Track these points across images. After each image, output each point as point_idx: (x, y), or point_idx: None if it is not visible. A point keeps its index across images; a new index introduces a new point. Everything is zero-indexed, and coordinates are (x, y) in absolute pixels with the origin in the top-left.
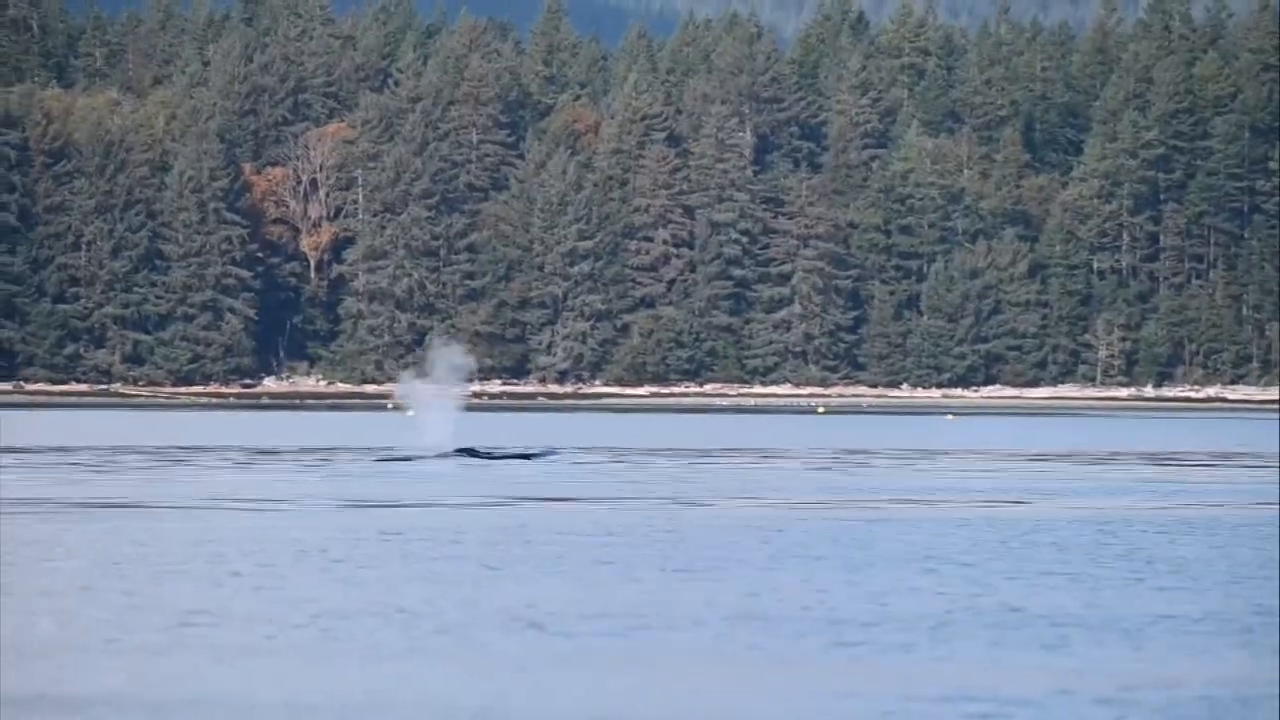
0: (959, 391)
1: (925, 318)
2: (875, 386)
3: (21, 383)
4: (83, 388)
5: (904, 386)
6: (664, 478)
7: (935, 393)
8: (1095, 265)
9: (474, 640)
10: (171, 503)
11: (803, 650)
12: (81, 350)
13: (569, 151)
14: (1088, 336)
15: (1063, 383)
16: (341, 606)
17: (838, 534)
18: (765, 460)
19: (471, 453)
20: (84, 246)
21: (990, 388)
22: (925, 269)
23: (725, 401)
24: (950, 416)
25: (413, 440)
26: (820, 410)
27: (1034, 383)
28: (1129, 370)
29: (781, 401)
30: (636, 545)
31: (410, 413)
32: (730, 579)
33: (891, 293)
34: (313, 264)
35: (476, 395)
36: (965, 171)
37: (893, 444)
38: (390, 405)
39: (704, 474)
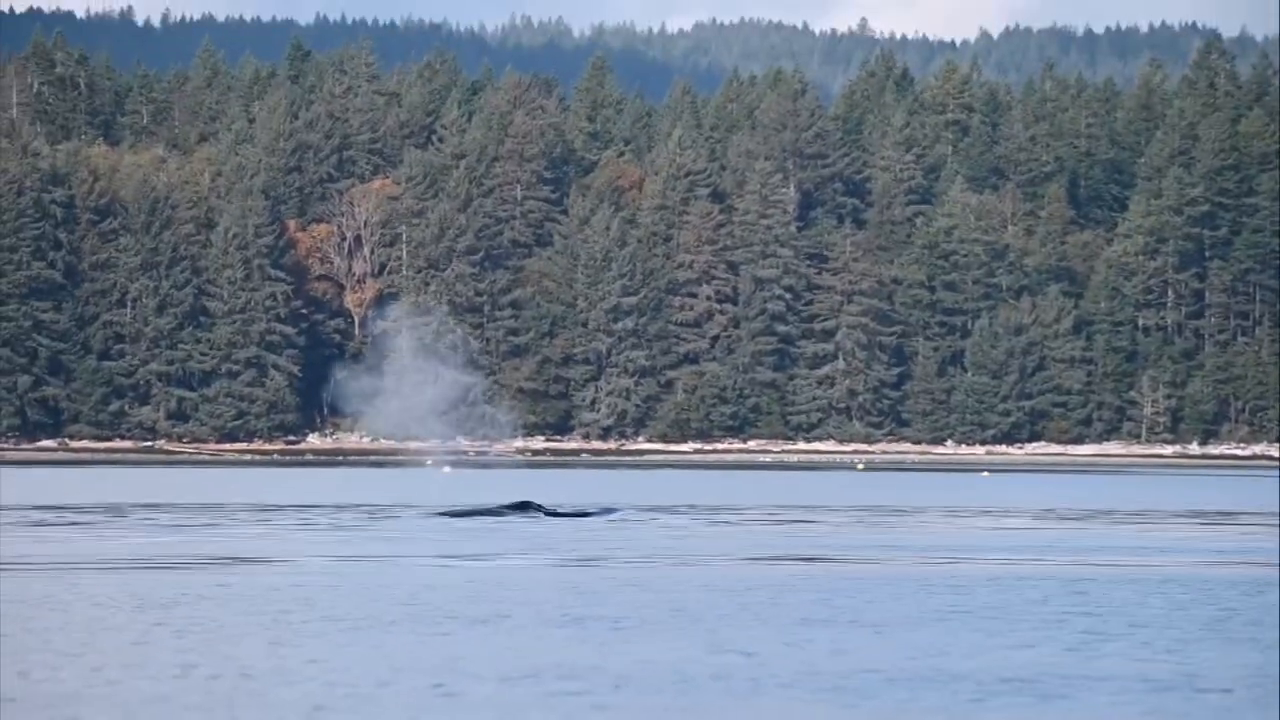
0: (1003, 448)
1: (969, 374)
2: (919, 443)
3: (66, 440)
4: (127, 445)
5: (948, 443)
6: (759, 533)
7: (979, 449)
8: (1140, 322)
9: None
10: (292, 559)
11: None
12: (126, 407)
13: (613, 207)
14: (1133, 393)
15: (1108, 440)
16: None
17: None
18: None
19: (531, 507)
20: (129, 303)
21: (1035, 444)
22: (969, 325)
23: (768, 458)
24: (986, 474)
25: (467, 496)
26: (860, 467)
27: (1079, 440)
28: (1174, 427)
29: (824, 458)
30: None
31: (446, 469)
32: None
33: (935, 349)
34: (356, 320)
35: (520, 451)
36: (1010, 228)
37: (923, 501)
38: (429, 462)
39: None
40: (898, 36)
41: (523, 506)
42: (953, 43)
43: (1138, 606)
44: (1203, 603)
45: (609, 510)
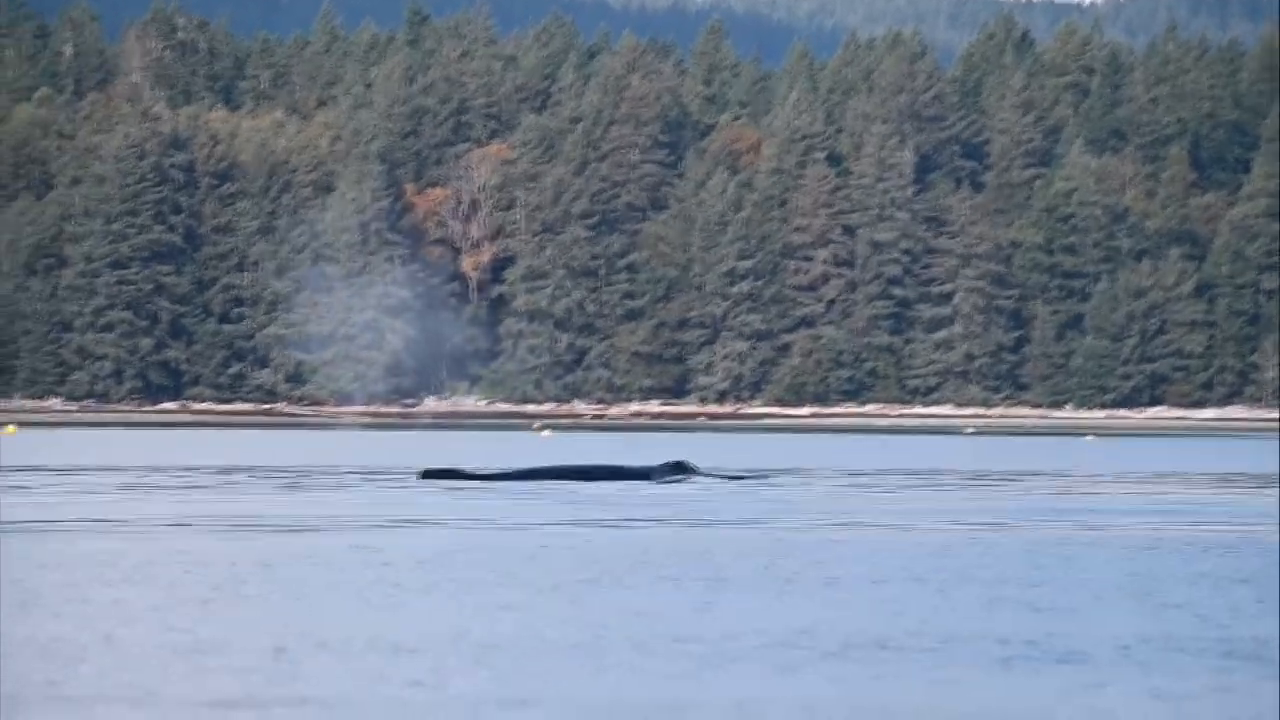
0: (1123, 412)
1: (1089, 338)
2: (1038, 407)
3: (187, 402)
4: (247, 407)
5: (1067, 407)
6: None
7: (1100, 413)
8: (1263, 285)
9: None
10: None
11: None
12: (246, 370)
13: (729, 171)
14: (1255, 357)
15: (1230, 403)
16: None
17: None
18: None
19: (683, 468)
20: (248, 267)
21: (1155, 408)
22: (1089, 289)
23: (884, 422)
24: (1090, 438)
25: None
26: (969, 431)
27: (1200, 404)
28: None
29: (938, 422)
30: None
31: (546, 433)
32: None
33: (1054, 312)
34: (473, 284)
35: (636, 415)
36: (1130, 190)
37: (1019, 466)
38: (536, 426)
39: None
40: (1023, 1)
41: (676, 468)
42: (1079, 4)
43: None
44: None
45: (762, 474)
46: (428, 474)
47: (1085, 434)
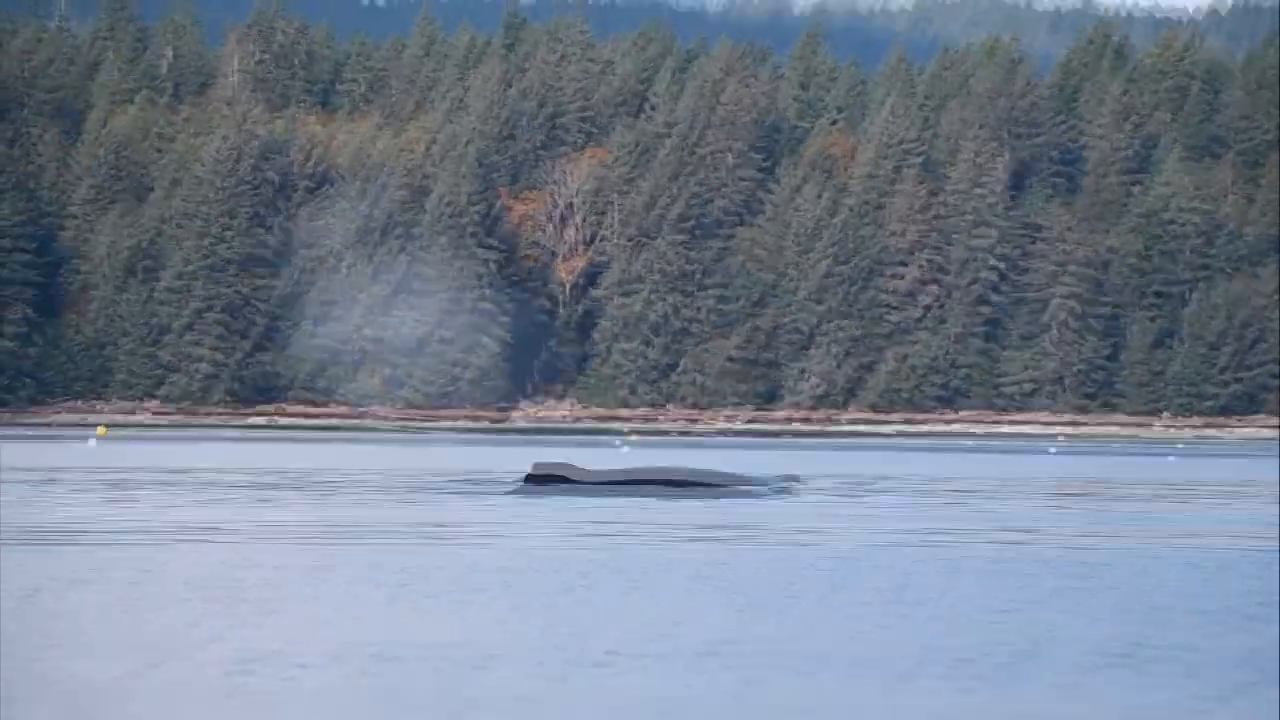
0: (1222, 419)
1: (1185, 347)
2: (1133, 416)
3: (282, 406)
4: (342, 410)
5: (1164, 416)
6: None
7: (1197, 421)
8: None
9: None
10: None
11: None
12: (340, 374)
13: (824, 177)
14: None
15: None
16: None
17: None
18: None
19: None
20: (344, 271)
21: (1254, 417)
22: (1186, 297)
23: (972, 439)
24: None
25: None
26: (1060, 440)
27: None
28: None
29: (1034, 431)
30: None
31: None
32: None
33: (1151, 320)
34: (566, 290)
35: (728, 418)
36: (1227, 199)
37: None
38: (620, 441)
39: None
40: (1124, 13)
41: (788, 479)
42: (1179, 20)
43: None
44: None
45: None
46: (531, 478)
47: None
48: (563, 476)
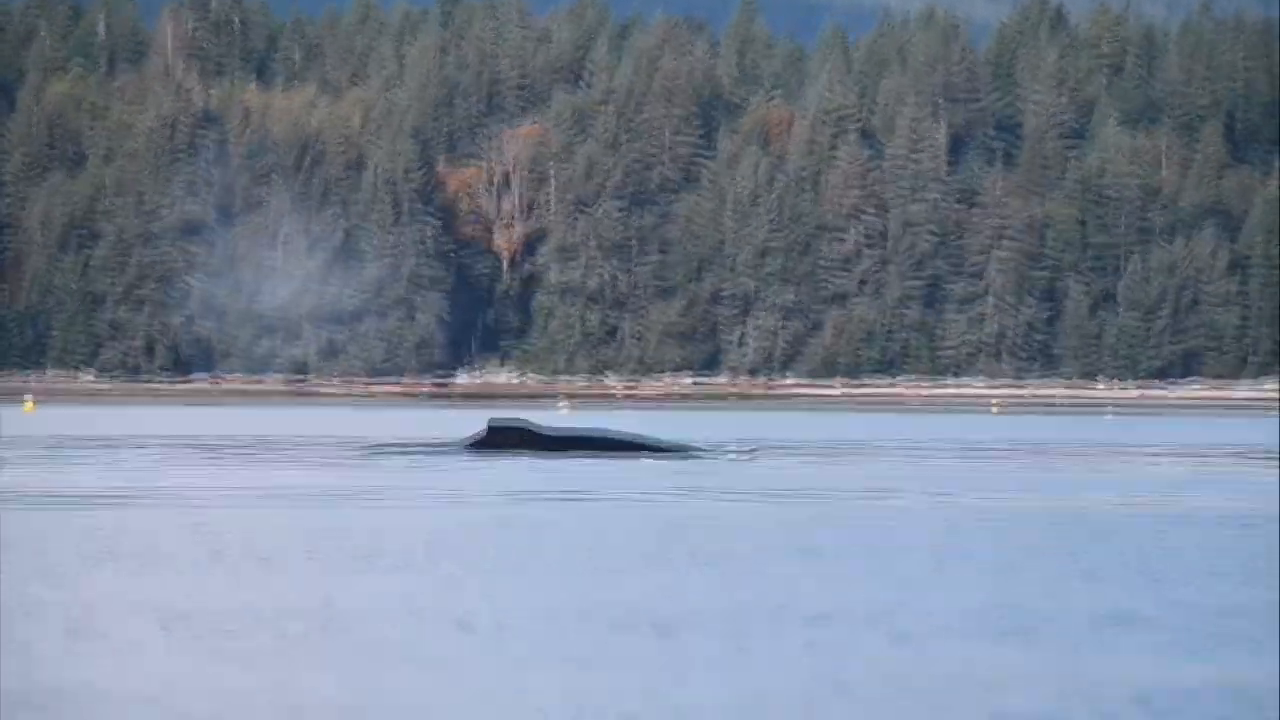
0: (1157, 384)
1: (1121, 313)
2: (1070, 381)
3: (219, 376)
4: (278, 379)
5: (1099, 382)
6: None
7: (1133, 389)
8: None
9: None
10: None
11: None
12: (277, 345)
13: (761, 148)
14: None
15: (1265, 378)
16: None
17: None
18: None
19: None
20: (280, 242)
21: (1189, 382)
22: (1122, 264)
23: (916, 400)
24: (1109, 415)
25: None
26: (994, 409)
27: (1234, 379)
28: None
29: (972, 398)
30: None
31: (564, 409)
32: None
33: (1087, 288)
34: (505, 260)
35: (668, 390)
36: (1163, 167)
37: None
38: (560, 403)
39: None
40: None
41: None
42: None
43: None
44: None
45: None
46: (492, 429)
47: (1105, 412)
48: (523, 428)
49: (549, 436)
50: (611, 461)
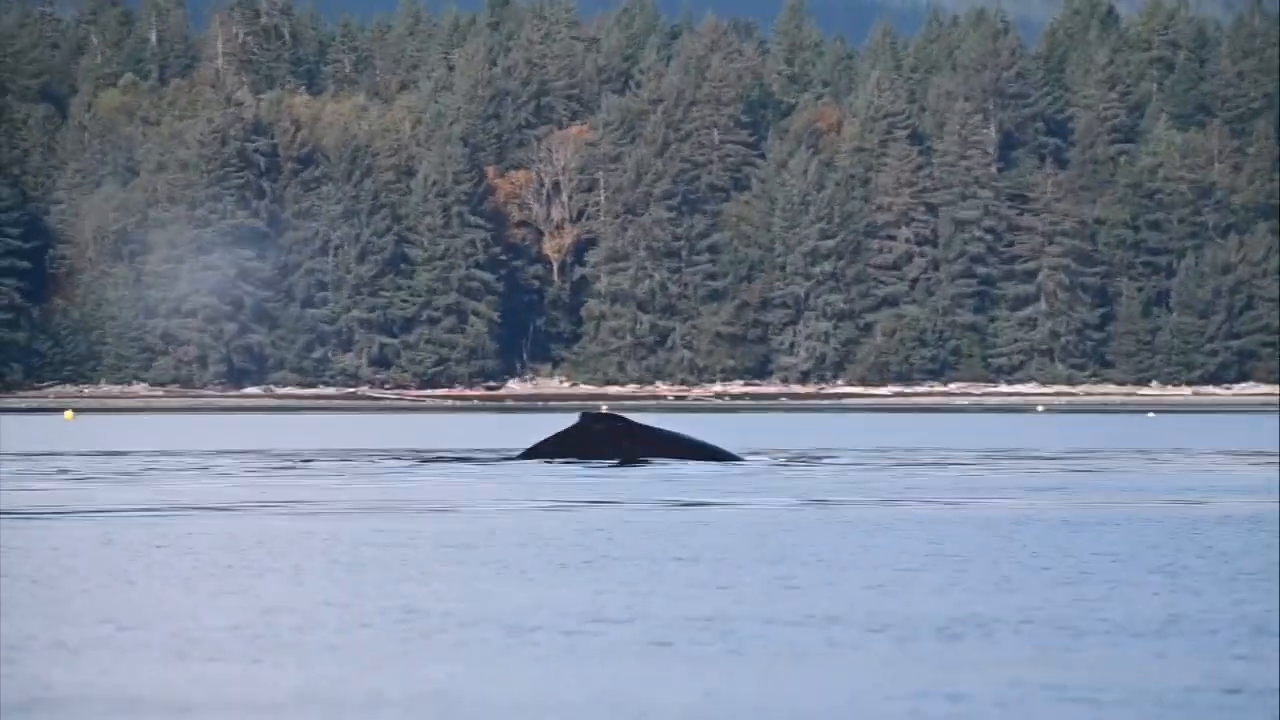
0: (1209, 388)
1: (1175, 314)
2: (1124, 384)
3: (271, 386)
4: (330, 391)
5: (1153, 384)
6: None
7: (1186, 390)
8: None
9: None
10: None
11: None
12: (329, 354)
13: (811, 150)
14: None
15: None
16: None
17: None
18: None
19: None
20: (331, 251)
21: (1243, 385)
22: (1174, 265)
23: (967, 401)
24: (1151, 415)
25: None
26: (1040, 410)
27: None
28: None
29: (1021, 401)
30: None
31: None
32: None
33: (1140, 289)
34: (555, 266)
35: (718, 396)
36: (1216, 165)
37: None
38: (604, 408)
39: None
40: None
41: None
42: None
43: None
44: None
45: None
46: (586, 415)
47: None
48: (618, 416)
49: (643, 429)
50: (719, 466)
